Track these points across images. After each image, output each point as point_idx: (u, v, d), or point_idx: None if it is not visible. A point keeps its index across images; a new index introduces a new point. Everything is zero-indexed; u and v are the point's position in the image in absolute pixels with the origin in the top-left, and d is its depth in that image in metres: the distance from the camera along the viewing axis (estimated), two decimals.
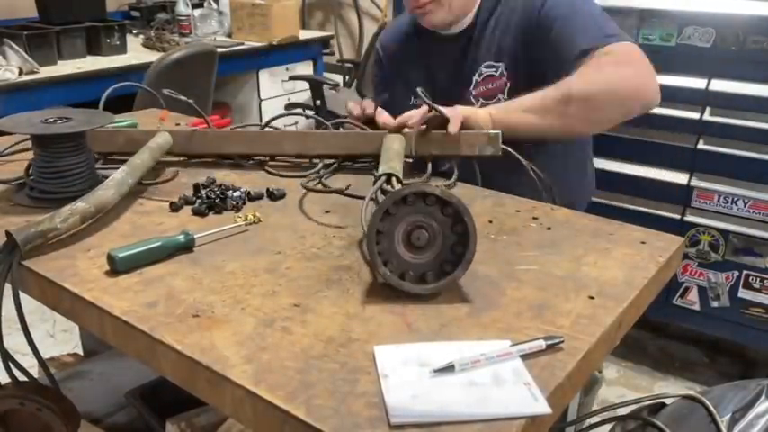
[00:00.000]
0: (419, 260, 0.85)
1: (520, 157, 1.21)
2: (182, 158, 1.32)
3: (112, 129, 1.29)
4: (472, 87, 1.44)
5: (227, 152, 1.32)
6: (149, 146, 1.20)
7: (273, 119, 1.44)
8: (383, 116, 1.28)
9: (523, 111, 1.24)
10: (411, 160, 1.25)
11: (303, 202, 1.14)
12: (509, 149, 1.21)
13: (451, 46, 1.46)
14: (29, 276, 0.91)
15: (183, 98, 1.35)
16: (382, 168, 1.05)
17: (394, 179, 1.00)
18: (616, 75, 1.23)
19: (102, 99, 1.35)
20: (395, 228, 0.84)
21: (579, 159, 1.61)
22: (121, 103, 1.95)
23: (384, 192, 0.96)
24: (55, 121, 1.10)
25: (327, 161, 1.30)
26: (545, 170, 1.22)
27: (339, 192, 1.17)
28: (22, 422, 0.96)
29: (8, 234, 0.89)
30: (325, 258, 0.94)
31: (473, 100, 1.44)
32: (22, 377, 0.95)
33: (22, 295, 0.94)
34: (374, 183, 1.00)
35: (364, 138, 1.27)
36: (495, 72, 1.41)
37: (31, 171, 1.14)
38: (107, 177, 1.08)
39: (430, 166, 1.25)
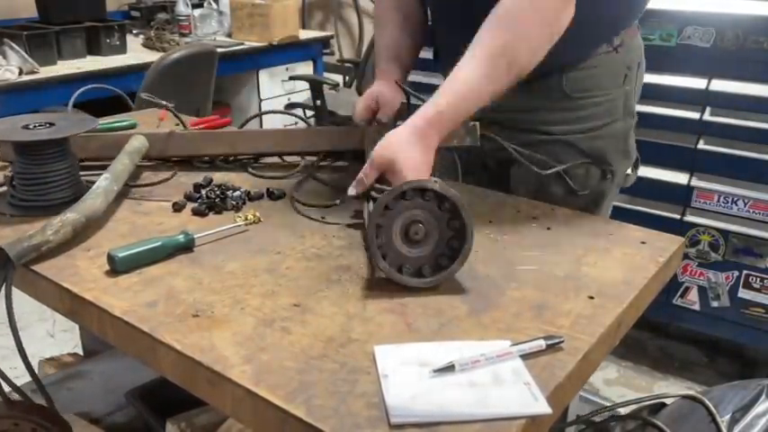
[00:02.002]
0: (416, 254, 0.86)
1: (500, 139, 1.18)
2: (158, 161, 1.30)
3: (86, 134, 1.21)
4: None
5: (206, 153, 1.29)
6: (127, 150, 1.18)
7: (251, 119, 1.46)
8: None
9: (467, 98, 1.03)
10: None
11: (301, 202, 1.14)
12: (495, 137, 1.18)
13: None
14: (29, 276, 0.91)
15: (162, 102, 1.34)
16: None
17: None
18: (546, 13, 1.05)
19: (71, 102, 1.33)
20: (393, 222, 0.85)
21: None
22: (122, 103, 1.95)
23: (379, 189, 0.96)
24: (36, 126, 1.07)
25: (310, 158, 1.30)
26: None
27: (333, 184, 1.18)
28: None
29: (0, 249, 0.87)
30: (326, 258, 0.94)
31: None
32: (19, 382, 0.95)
33: (23, 295, 0.94)
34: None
35: (345, 133, 1.26)
36: None
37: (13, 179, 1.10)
38: (90, 182, 1.06)
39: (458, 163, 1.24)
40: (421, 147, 0.99)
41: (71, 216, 0.95)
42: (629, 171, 1.30)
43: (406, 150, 0.97)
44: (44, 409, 0.94)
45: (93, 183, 1.06)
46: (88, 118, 1.16)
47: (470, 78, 1.02)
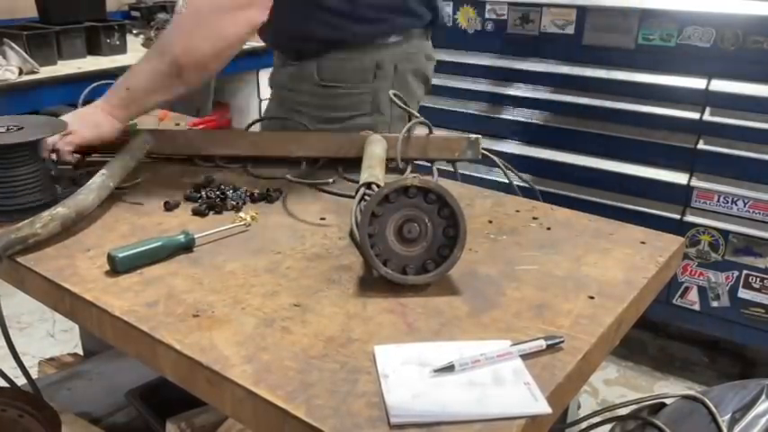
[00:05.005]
0: (416, 252, 0.86)
1: (497, 159, 1.21)
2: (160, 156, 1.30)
3: None
4: None
5: (208, 153, 1.30)
6: (130, 147, 1.19)
7: (255, 122, 1.45)
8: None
9: (144, 96, 1.19)
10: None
11: (302, 202, 1.14)
12: (488, 153, 1.24)
13: None
14: (29, 276, 0.91)
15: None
16: (363, 176, 1.05)
17: (374, 186, 1.00)
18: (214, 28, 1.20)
19: (81, 99, 1.33)
20: (385, 227, 0.85)
21: None
22: None
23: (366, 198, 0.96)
24: (8, 130, 1.05)
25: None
26: None
27: (328, 190, 1.18)
28: (1, 428, 0.96)
29: None
30: (326, 258, 0.94)
31: None
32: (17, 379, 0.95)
33: (23, 295, 0.94)
34: (356, 192, 1.00)
35: (347, 140, 1.26)
36: None
37: None
38: (76, 182, 1.07)
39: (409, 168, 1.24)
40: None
41: (61, 210, 0.96)
42: None
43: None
44: (30, 395, 0.95)
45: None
46: (58, 121, 1.13)
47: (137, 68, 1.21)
